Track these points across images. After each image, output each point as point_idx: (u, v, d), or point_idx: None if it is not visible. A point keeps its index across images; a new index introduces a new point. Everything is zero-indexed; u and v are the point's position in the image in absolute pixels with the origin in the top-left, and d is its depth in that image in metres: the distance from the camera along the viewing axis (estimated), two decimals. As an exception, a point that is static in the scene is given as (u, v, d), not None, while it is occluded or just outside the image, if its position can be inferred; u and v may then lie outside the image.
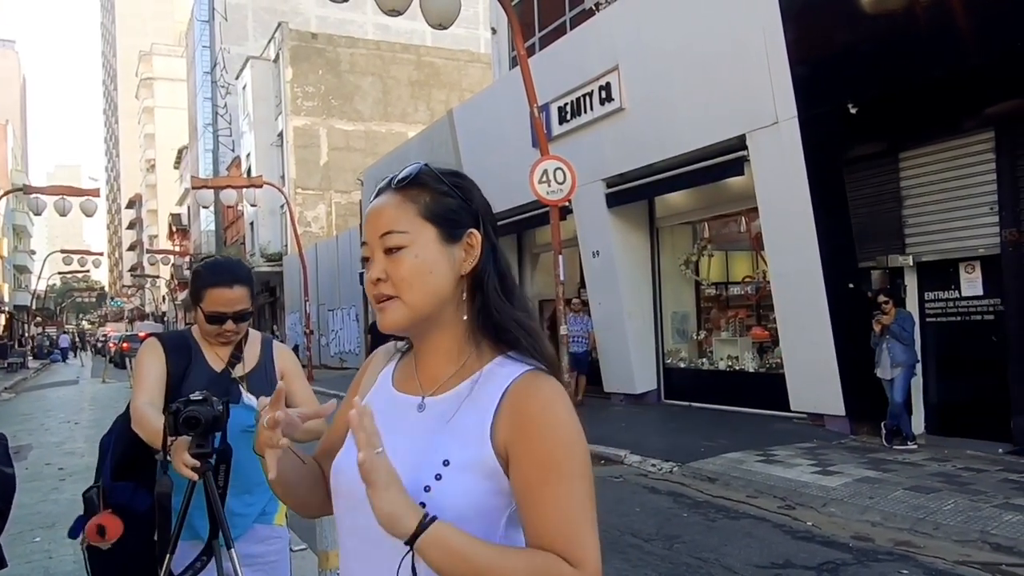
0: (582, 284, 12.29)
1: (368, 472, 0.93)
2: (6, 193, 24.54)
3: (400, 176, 1.10)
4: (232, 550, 1.97)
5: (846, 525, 5.24)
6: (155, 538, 2.14)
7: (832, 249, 7.92)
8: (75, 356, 46.91)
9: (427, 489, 0.99)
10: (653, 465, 7.24)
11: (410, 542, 0.93)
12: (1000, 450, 6.85)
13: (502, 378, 1.05)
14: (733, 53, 8.47)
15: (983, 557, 4.51)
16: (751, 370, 10.05)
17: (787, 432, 8.22)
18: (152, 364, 2.23)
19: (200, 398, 1.92)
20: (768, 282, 9.11)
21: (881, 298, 7.31)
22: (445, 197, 1.09)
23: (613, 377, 11.32)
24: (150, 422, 2.05)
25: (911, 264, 7.69)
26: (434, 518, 0.94)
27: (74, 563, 4.89)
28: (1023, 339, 6.84)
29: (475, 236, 1.09)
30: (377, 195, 1.12)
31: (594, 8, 11.37)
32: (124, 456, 2.21)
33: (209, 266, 2.30)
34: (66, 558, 5.00)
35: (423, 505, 0.97)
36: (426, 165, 1.11)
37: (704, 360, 10.94)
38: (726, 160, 8.87)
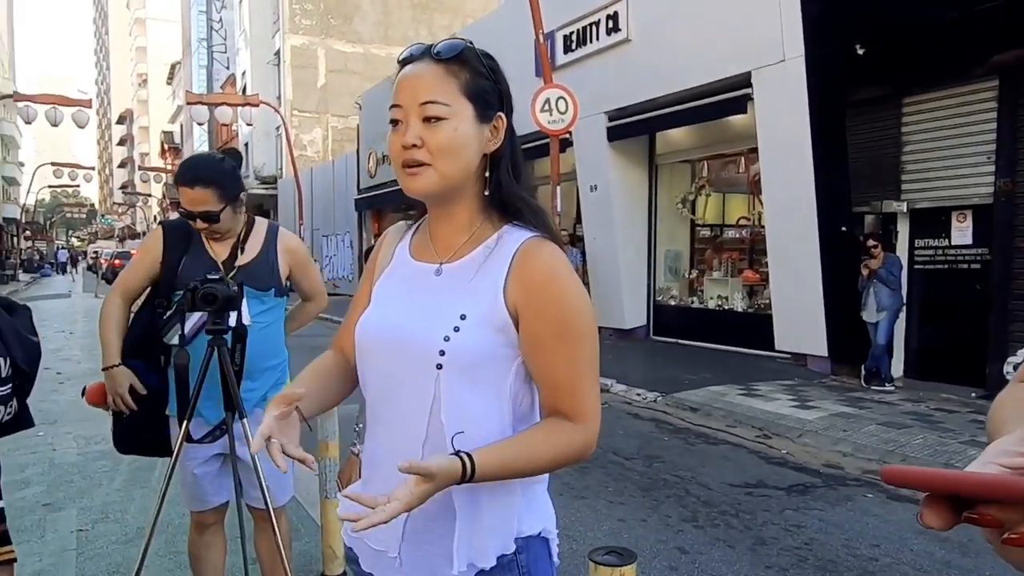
0: (578, 219, 12.34)
1: (419, 496, 0.99)
2: (-4, 100, 24.08)
3: (443, 48, 1.14)
4: (245, 420, 2.10)
5: (818, 455, 5.47)
6: (166, 411, 2.28)
7: (828, 192, 7.98)
8: (66, 272, 46.94)
9: (446, 339, 1.09)
10: (637, 394, 7.46)
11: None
12: (973, 394, 7.09)
13: (511, 243, 1.15)
14: (745, -12, 8.32)
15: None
16: (740, 310, 10.23)
17: (770, 370, 8.45)
18: (144, 253, 2.34)
19: (217, 277, 2.02)
20: (763, 226, 9.19)
21: (870, 242, 7.42)
22: (483, 78, 1.15)
23: (603, 312, 11.48)
24: (103, 319, 2.29)
25: (904, 211, 7.78)
26: (471, 459, 1.01)
27: (77, 455, 5.08)
28: (1006, 289, 7.00)
29: (501, 119, 1.17)
30: (408, 61, 1.16)
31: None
32: (137, 339, 2.32)
33: (183, 163, 2.37)
34: (69, 451, 5.20)
35: (442, 354, 1.08)
36: (470, 42, 1.16)
37: (694, 299, 11.11)
38: (730, 97, 8.82)
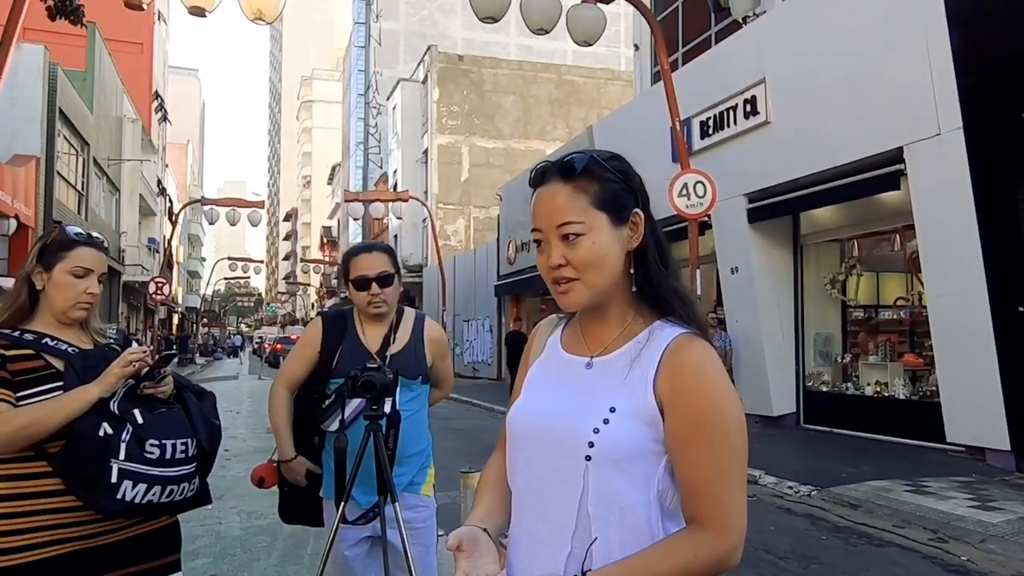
0: (719, 302, 12.03)
1: None
2: (186, 205, 27.34)
3: (568, 165, 1.19)
4: (397, 503, 2.20)
5: (1007, 563, 4.84)
6: (320, 493, 2.44)
7: (999, 270, 7.34)
8: (235, 356, 51.20)
9: (596, 431, 1.11)
10: (789, 487, 6.99)
11: None
12: None
13: (662, 339, 1.16)
14: (890, 62, 8.08)
15: None
16: (902, 397, 9.43)
17: (940, 464, 7.66)
18: (305, 346, 2.53)
19: (375, 366, 2.18)
20: (924, 306, 8.55)
21: (1056, 324, 6.70)
22: (611, 184, 1.19)
23: (749, 397, 10.96)
24: (274, 413, 2.50)
25: (1094, 288, 6.99)
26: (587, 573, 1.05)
27: (240, 529, 5.43)
28: None
29: (639, 215, 1.21)
30: (540, 180, 1.22)
31: (742, 21, 11.19)
32: (295, 423, 2.52)
33: (351, 247, 2.62)
34: (233, 524, 5.56)
35: (591, 445, 1.10)
36: (592, 155, 1.21)
37: (849, 384, 10.39)
38: (880, 174, 8.44)
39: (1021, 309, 7.34)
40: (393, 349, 2.47)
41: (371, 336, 2.48)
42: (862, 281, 10.77)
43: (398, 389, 2.34)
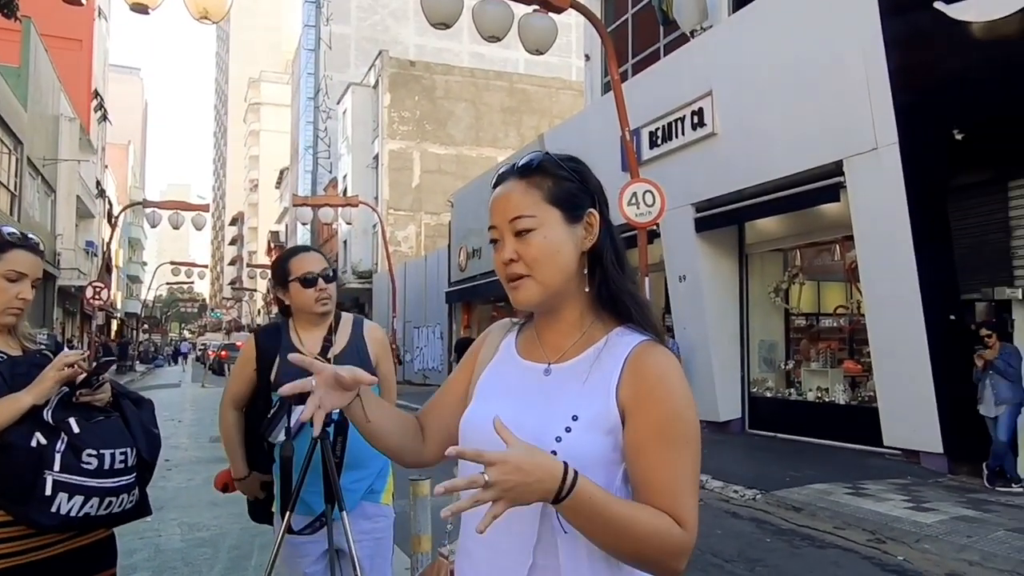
0: (667, 310, 12.22)
1: (512, 475, 0.97)
2: (126, 207, 26.49)
3: (524, 164, 1.21)
4: (344, 513, 2.16)
5: (941, 563, 5.03)
6: (271, 508, 2.39)
7: (933, 280, 7.64)
8: (176, 363, 49.84)
9: (558, 439, 1.10)
10: (735, 491, 7.13)
11: (558, 499, 0.98)
12: (1117, 499, 6.41)
13: (623, 346, 1.16)
14: (831, 78, 8.36)
15: (1093, 604, 4.26)
16: (842, 402, 9.73)
17: (879, 467, 7.92)
18: (242, 364, 2.53)
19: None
20: (863, 315, 8.84)
21: (984, 331, 7.00)
22: (565, 181, 1.20)
23: (696, 404, 11.14)
24: (224, 434, 2.54)
25: (1020, 297, 7.32)
26: (576, 473, 0.99)
27: (181, 542, 5.27)
28: None
29: (594, 215, 1.21)
30: (498, 182, 1.23)
31: (689, 35, 11.43)
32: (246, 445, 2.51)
33: (286, 250, 2.61)
34: (174, 537, 5.40)
35: (554, 454, 1.05)
36: (547, 153, 1.23)
37: (792, 390, 10.67)
38: (821, 186, 8.72)
39: (953, 318, 7.66)
40: (335, 350, 2.43)
41: (308, 341, 2.43)
42: (804, 290, 11.09)
43: None
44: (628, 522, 1.02)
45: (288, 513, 2.16)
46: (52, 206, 24.10)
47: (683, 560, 1.07)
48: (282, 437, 2.26)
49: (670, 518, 1.05)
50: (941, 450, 7.64)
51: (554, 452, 1.07)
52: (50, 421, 1.88)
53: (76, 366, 1.90)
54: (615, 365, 1.14)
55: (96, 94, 31.31)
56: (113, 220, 27.58)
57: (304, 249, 2.56)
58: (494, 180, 1.25)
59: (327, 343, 2.43)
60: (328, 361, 2.36)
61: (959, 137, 7.20)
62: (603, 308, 1.21)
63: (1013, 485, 6.80)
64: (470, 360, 1.35)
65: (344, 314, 2.59)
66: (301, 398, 2.11)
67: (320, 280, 2.42)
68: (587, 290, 1.20)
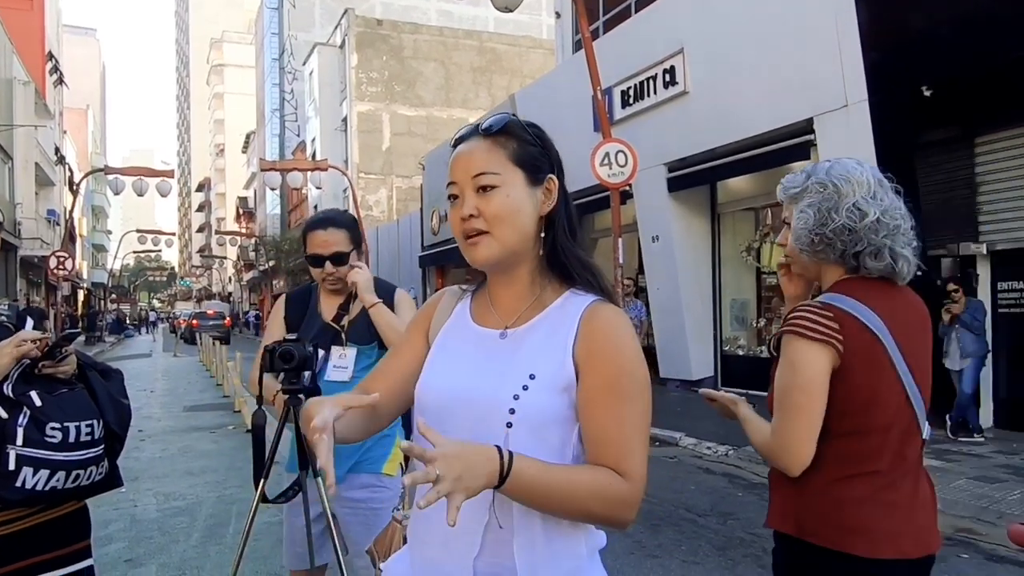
0: (640, 270, 12.28)
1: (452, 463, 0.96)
2: (88, 174, 25.78)
3: (489, 124, 1.21)
4: (318, 479, 2.15)
5: (906, 511, 5.18)
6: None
7: (900, 236, 7.73)
8: (147, 332, 49.24)
9: (516, 397, 1.12)
10: (708, 448, 7.27)
11: (502, 478, 1.00)
12: (1073, 445, 6.65)
13: (576, 306, 1.18)
14: (801, 36, 8.33)
15: (1049, 546, 4.43)
16: (812, 359, 9.90)
17: (847, 421, 8.11)
18: (273, 318, 2.52)
19: (294, 338, 2.11)
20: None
21: (951, 286, 7.14)
22: (529, 145, 1.21)
23: (669, 363, 11.31)
24: (253, 373, 2.36)
25: (984, 252, 7.47)
26: (511, 455, 1.01)
27: (157, 511, 5.24)
28: (1102, 332, 6.60)
29: (553, 181, 1.22)
30: (459, 142, 1.23)
31: (660, -9, 11.27)
32: None
33: (313, 216, 2.52)
34: (149, 507, 5.36)
35: (512, 412, 1.10)
36: (513, 115, 1.23)
37: (763, 348, 10.83)
38: (792, 144, 8.74)
39: (919, 273, 7.77)
40: (349, 317, 2.43)
41: (327, 307, 2.46)
42: (775, 248, 11.15)
43: (351, 357, 2.32)
44: (568, 486, 1.06)
45: (263, 481, 2.14)
46: (9, 174, 23.41)
47: (631, 511, 1.10)
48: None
49: (612, 473, 1.09)
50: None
51: (512, 411, 1.10)
52: (11, 395, 1.83)
53: (35, 343, 1.85)
54: (571, 324, 1.16)
55: (50, 56, 30.21)
56: (75, 187, 26.84)
57: (323, 223, 2.40)
58: (454, 139, 1.25)
59: (341, 311, 2.43)
60: (341, 328, 2.40)
61: (928, 94, 7.24)
62: (553, 272, 1.23)
63: (975, 435, 7.01)
64: (421, 325, 1.34)
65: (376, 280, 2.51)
66: (273, 365, 2.10)
67: (327, 263, 2.36)
68: (540, 253, 1.22)
